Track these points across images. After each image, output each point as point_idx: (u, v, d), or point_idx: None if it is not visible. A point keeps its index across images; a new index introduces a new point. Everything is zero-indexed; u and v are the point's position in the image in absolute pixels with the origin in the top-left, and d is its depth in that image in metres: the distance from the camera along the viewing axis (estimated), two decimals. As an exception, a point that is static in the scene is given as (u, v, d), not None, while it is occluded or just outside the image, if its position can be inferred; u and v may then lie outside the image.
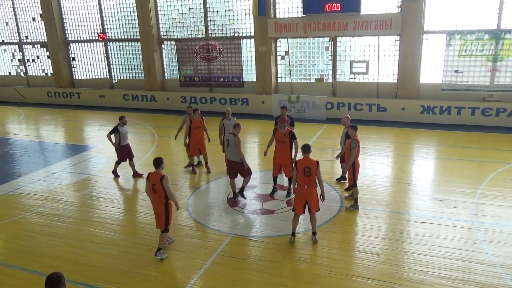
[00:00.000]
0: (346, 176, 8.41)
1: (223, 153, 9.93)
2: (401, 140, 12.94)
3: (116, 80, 20.23)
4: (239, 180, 8.64)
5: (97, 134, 14.74)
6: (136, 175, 10.06)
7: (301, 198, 6.61)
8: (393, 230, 7.11)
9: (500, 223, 7.17)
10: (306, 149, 6.67)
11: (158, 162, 6.34)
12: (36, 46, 21.55)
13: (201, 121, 10.05)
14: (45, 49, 21.22)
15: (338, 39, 15.55)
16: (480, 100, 13.94)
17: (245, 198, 8.54)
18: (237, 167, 8.37)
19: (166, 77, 19.13)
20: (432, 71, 14.65)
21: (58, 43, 20.15)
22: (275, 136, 8.54)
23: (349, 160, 7.75)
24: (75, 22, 20.16)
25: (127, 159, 10.04)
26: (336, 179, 9.28)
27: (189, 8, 17.63)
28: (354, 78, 15.80)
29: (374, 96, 15.34)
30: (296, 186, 6.67)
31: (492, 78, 13.65)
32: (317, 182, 6.54)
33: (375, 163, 10.74)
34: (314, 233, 6.85)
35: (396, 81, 15.06)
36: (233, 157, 8.33)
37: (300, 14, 15.47)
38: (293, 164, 6.53)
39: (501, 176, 9.29)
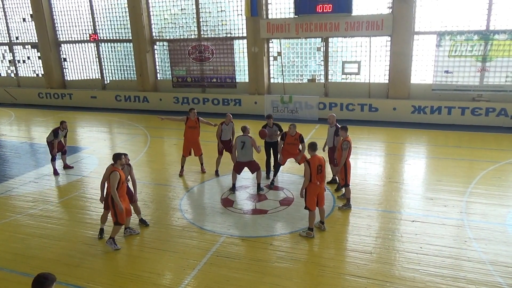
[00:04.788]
0: (337, 177, 8.47)
1: (219, 155, 9.96)
2: (393, 139, 13.06)
3: (108, 81, 20.13)
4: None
5: (89, 135, 14.65)
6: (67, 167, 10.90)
7: (314, 194, 6.83)
8: (385, 229, 7.18)
9: (489, 221, 7.28)
10: (314, 147, 6.86)
11: (115, 157, 6.58)
12: (26, 46, 21.36)
13: (197, 121, 9.91)
14: (36, 49, 21.05)
15: (330, 39, 15.65)
16: (470, 100, 14.12)
17: (263, 190, 8.90)
18: (250, 166, 8.79)
19: (159, 78, 19.08)
20: (423, 71, 14.82)
21: (49, 43, 20.00)
22: (286, 141, 8.95)
23: (341, 161, 7.81)
24: (66, 23, 20.02)
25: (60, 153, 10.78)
26: (327, 182, 9.11)
27: (181, 9, 17.61)
28: (346, 79, 15.90)
29: (366, 96, 15.46)
30: (307, 184, 6.79)
31: (481, 78, 13.83)
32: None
33: (367, 162, 10.83)
34: (322, 222, 7.15)
35: (387, 81, 15.20)
36: (247, 158, 8.73)
37: (292, 15, 15.54)
38: (306, 163, 6.72)
39: (490, 175, 9.43)
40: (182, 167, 10.10)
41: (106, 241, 6.81)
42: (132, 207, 7.26)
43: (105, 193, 6.87)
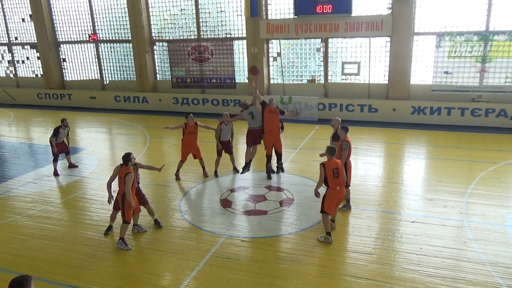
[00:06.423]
0: None
1: (218, 156, 9.96)
2: (392, 140, 13.06)
3: (108, 82, 20.11)
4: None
5: (89, 136, 14.64)
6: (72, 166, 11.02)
7: (334, 200, 6.77)
8: (385, 230, 7.17)
9: (489, 222, 7.28)
10: (332, 151, 6.78)
11: (126, 159, 6.72)
12: (25, 47, 21.33)
13: (195, 126, 9.65)
14: (35, 50, 21.02)
15: (330, 40, 15.65)
16: (470, 100, 14.12)
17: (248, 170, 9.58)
18: (258, 134, 9.45)
19: (158, 78, 19.07)
20: (423, 72, 14.82)
21: (48, 44, 19.98)
22: (267, 109, 9.30)
23: (340, 161, 7.78)
24: (65, 23, 20.00)
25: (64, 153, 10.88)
26: None
27: (181, 9, 17.61)
28: (346, 79, 15.91)
29: (366, 97, 15.46)
30: (321, 186, 6.80)
31: (481, 79, 13.84)
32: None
33: (367, 163, 10.82)
34: (333, 221, 7.17)
35: (387, 82, 15.20)
36: (258, 125, 9.40)
37: (292, 16, 15.54)
38: (322, 166, 6.69)
39: (490, 176, 9.43)
40: (178, 170, 9.88)
41: (117, 243, 6.86)
42: (146, 209, 7.43)
43: (112, 193, 6.96)
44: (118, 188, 6.84)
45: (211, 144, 10.18)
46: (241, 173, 9.63)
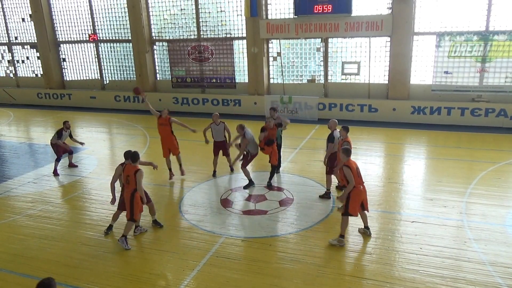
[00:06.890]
0: (336, 177, 8.44)
1: (215, 156, 9.92)
2: (392, 140, 13.06)
3: (108, 81, 20.11)
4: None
5: (88, 136, 14.61)
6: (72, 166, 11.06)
7: (359, 199, 6.64)
8: (385, 230, 7.17)
9: (489, 222, 7.28)
10: (348, 152, 6.65)
11: (135, 156, 6.81)
12: (25, 47, 21.33)
13: (168, 121, 9.69)
14: (35, 50, 21.02)
15: (330, 40, 15.64)
16: (470, 100, 14.12)
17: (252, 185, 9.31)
18: (255, 155, 9.30)
19: (158, 78, 19.06)
20: (423, 72, 14.82)
21: (48, 44, 19.98)
22: (270, 132, 9.09)
23: (340, 161, 7.77)
24: (65, 23, 19.99)
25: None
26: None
27: (181, 9, 17.60)
28: (346, 79, 15.90)
29: (366, 97, 15.46)
30: (351, 188, 6.56)
31: (481, 79, 13.84)
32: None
33: (367, 163, 10.81)
34: (368, 228, 6.98)
35: (387, 82, 15.20)
36: (257, 150, 9.18)
37: (292, 15, 15.53)
38: (347, 167, 6.50)
39: (490, 176, 9.43)
40: (170, 170, 9.79)
41: (118, 239, 6.86)
42: (148, 208, 7.41)
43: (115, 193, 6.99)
44: (121, 188, 6.83)
45: (209, 144, 10.18)
46: (244, 188, 9.13)
